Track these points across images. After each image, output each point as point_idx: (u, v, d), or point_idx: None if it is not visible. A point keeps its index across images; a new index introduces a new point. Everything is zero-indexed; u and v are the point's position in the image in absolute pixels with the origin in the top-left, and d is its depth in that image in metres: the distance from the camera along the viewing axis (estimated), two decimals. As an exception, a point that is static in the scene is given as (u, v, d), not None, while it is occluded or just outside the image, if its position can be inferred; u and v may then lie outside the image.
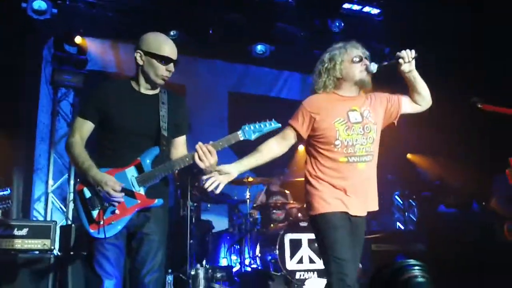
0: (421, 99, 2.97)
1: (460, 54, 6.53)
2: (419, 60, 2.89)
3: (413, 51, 2.80)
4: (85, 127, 2.67)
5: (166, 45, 2.67)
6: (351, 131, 2.82)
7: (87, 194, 2.59)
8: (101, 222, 2.51)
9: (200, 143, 2.57)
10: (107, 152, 2.66)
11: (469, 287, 4.85)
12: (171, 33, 6.91)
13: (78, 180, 2.66)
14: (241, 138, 2.63)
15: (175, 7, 6.77)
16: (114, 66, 7.22)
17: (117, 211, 2.55)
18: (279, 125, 2.71)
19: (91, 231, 2.54)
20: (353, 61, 2.89)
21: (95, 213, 2.56)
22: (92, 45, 6.98)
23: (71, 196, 6.34)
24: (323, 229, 2.74)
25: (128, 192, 2.57)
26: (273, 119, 2.70)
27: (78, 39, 6.60)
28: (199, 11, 6.90)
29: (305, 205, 2.96)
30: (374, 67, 2.85)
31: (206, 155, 2.54)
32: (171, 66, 2.67)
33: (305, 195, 2.92)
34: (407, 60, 2.78)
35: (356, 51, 2.93)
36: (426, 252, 5.86)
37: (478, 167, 6.49)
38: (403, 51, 2.80)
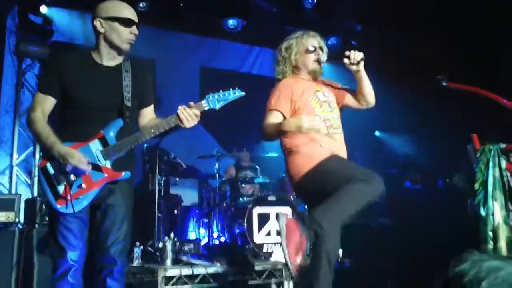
0: (363, 99, 3.13)
1: (427, 32, 6.60)
2: (389, 37, 3.00)
3: (360, 53, 2.94)
4: (47, 102, 2.62)
5: (125, 8, 2.66)
6: (323, 108, 3.02)
7: (51, 169, 2.55)
8: (68, 197, 2.49)
9: (181, 107, 2.58)
10: (70, 126, 2.62)
11: (429, 265, 5.01)
12: (141, 4, 6.78)
13: (41, 155, 2.61)
14: (206, 108, 2.63)
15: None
16: (82, 38, 7.04)
17: (83, 185, 2.53)
18: (243, 93, 2.73)
19: (58, 206, 2.51)
20: (307, 51, 3.09)
21: (61, 188, 2.53)
22: (58, 16, 6.77)
23: (36, 169, 6.23)
24: (318, 175, 2.83)
25: (94, 166, 2.54)
26: (237, 88, 2.71)
27: (43, 9, 6.40)
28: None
29: (289, 178, 3.04)
30: (324, 58, 3.08)
31: (192, 117, 2.58)
32: (134, 28, 2.64)
33: (288, 169, 3.03)
34: (352, 61, 2.93)
35: (312, 40, 3.13)
36: (390, 227, 6.01)
37: (443, 145, 6.65)
38: (351, 52, 2.96)
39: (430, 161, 7.10)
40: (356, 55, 2.94)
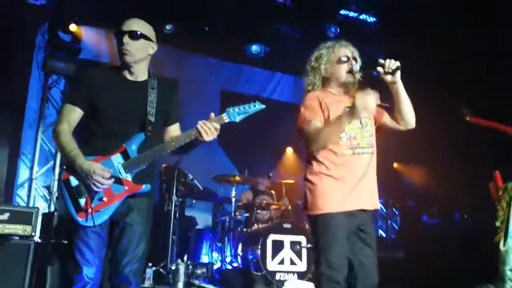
0: (400, 118, 2.84)
1: (452, 65, 6.58)
2: (410, 68, 2.84)
3: (396, 62, 2.66)
4: (74, 114, 2.65)
5: (127, 21, 2.65)
6: (352, 125, 2.77)
7: (73, 182, 2.56)
8: (89, 210, 2.50)
9: (200, 122, 2.56)
10: (93, 139, 2.64)
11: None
12: (167, 27, 6.91)
13: (64, 168, 2.63)
14: (226, 120, 2.62)
15: (172, 1, 6.75)
16: (108, 56, 7.18)
17: (104, 199, 2.53)
18: (263, 106, 2.68)
19: (79, 219, 2.51)
20: (339, 61, 2.84)
21: (82, 201, 2.53)
22: (86, 34, 6.94)
23: (55, 184, 6.30)
24: (321, 230, 2.67)
25: (115, 179, 2.55)
26: (257, 101, 2.68)
27: (73, 27, 6.56)
28: (196, 6, 6.88)
29: (304, 205, 2.84)
30: (357, 67, 2.80)
31: (212, 130, 2.55)
32: (126, 38, 2.60)
33: (305, 194, 2.83)
34: (386, 69, 2.64)
35: (344, 50, 2.88)
36: (405, 260, 5.90)
37: (462, 179, 6.55)
38: (386, 60, 2.66)
39: (448, 195, 7.00)
40: (392, 63, 2.64)
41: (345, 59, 2.84)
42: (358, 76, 2.84)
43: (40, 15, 6.47)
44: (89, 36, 7.00)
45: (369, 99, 2.55)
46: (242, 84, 8.37)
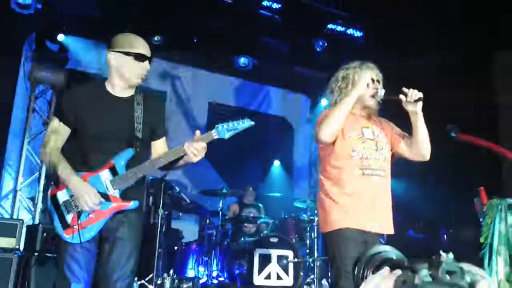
0: (414, 148, 2.87)
1: (438, 80, 6.66)
2: (397, 83, 2.87)
3: (418, 93, 2.70)
4: (62, 132, 2.64)
5: (139, 43, 2.68)
6: (366, 145, 2.79)
7: (61, 198, 2.56)
8: (76, 227, 2.48)
9: (187, 143, 2.57)
10: (80, 156, 2.63)
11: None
12: (155, 38, 6.90)
13: (52, 183, 2.61)
14: (216, 137, 2.63)
15: (161, 12, 6.76)
16: (96, 67, 7.16)
17: (92, 215, 2.52)
18: (252, 123, 2.68)
19: (66, 236, 2.50)
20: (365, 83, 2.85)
21: (69, 217, 2.53)
22: (74, 44, 6.90)
23: (40, 196, 6.22)
24: (336, 244, 2.68)
25: (103, 195, 2.54)
26: (245, 117, 2.68)
27: (60, 37, 6.53)
28: (185, 17, 6.90)
29: (318, 222, 2.91)
30: (382, 93, 2.82)
31: (199, 151, 2.56)
32: (146, 63, 2.67)
33: (320, 212, 2.85)
34: (409, 98, 2.69)
35: (371, 73, 2.90)
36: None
37: (448, 194, 6.60)
38: (409, 89, 2.71)
39: (434, 211, 7.05)
40: (414, 93, 2.69)
41: (371, 81, 2.86)
42: (380, 101, 2.86)
43: (28, 24, 6.43)
44: (77, 46, 6.96)
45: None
46: (230, 97, 8.39)
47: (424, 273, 0.89)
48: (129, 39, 2.69)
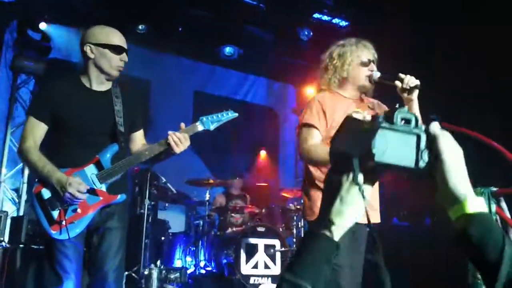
0: None
1: (421, 72, 6.71)
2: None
3: (415, 80, 2.61)
4: (39, 129, 2.61)
5: (116, 35, 2.67)
6: None
7: (46, 195, 2.53)
8: (63, 222, 2.46)
9: (170, 132, 2.58)
10: (63, 151, 2.61)
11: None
12: (140, 27, 6.83)
13: (37, 181, 2.58)
14: (200, 129, 2.68)
15: (145, 1, 6.68)
16: (79, 56, 7.03)
17: (78, 210, 2.51)
18: (236, 114, 2.78)
19: (53, 232, 2.48)
20: (361, 63, 2.78)
21: (55, 213, 2.50)
22: (57, 33, 6.78)
23: (25, 186, 6.15)
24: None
25: (90, 190, 2.53)
26: (229, 109, 2.76)
27: (43, 25, 6.40)
28: (169, 6, 6.83)
29: (302, 211, 2.85)
30: (376, 75, 2.76)
31: (182, 141, 2.58)
32: (124, 55, 2.66)
33: (305, 200, 2.79)
34: (405, 85, 2.60)
35: (367, 52, 2.83)
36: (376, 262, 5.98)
37: (433, 184, 6.67)
38: (406, 76, 2.62)
39: (419, 198, 7.12)
40: (411, 81, 2.59)
41: (367, 61, 2.79)
42: (373, 83, 2.80)
43: (9, 12, 6.30)
44: (59, 35, 6.84)
45: None
46: (215, 86, 8.35)
47: (380, 119, 0.91)
48: (106, 31, 2.66)
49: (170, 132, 2.59)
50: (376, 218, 2.81)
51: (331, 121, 2.73)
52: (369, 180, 0.93)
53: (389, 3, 6.34)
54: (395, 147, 0.90)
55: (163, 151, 2.64)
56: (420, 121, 0.94)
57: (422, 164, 0.91)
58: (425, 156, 0.90)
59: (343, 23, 7.51)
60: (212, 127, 2.70)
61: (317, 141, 2.72)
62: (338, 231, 0.94)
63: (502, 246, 0.82)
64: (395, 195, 7.62)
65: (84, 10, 6.53)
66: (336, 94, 2.85)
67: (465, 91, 5.81)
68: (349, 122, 0.93)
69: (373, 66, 2.81)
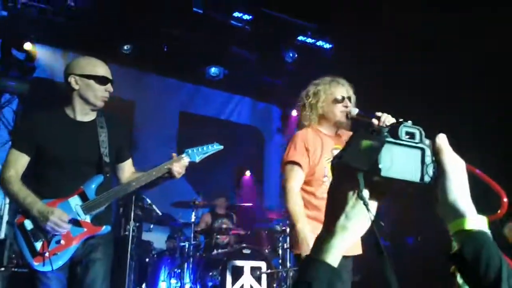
0: None
1: (406, 92, 6.82)
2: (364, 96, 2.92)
3: (392, 119, 2.70)
4: (21, 161, 2.60)
5: (101, 66, 2.69)
6: None
7: (29, 226, 2.50)
8: (46, 254, 2.43)
9: (169, 165, 2.66)
10: (47, 182, 2.60)
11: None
12: (125, 47, 6.85)
13: (19, 211, 2.55)
14: (187, 161, 2.74)
15: (131, 21, 6.70)
16: (63, 76, 7.01)
17: (62, 241, 2.48)
18: (221, 147, 2.86)
19: (35, 264, 2.45)
20: (335, 100, 2.88)
21: (38, 245, 2.47)
22: (41, 52, 6.75)
23: (6, 207, 6.04)
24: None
25: (74, 221, 2.51)
26: (215, 142, 2.85)
27: (27, 46, 6.37)
28: (155, 26, 6.87)
29: (290, 242, 2.89)
30: (354, 112, 2.84)
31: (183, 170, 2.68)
32: (109, 86, 2.67)
33: (292, 231, 2.83)
34: (381, 123, 2.68)
35: (341, 89, 2.92)
36: (360, 283, 5.99)
37: (413, 202, 6.74)
38: (383, 114, 2.71)
39: (399, 217, 7.17)
40: (388, 119, 2.68)
41: (340, 98, 2.88)
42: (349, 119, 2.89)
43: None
44: (44, 55, 6.82)
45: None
46: (201, 106, 8.37)
47: (385, 133, 0.91)
48: (90, 62, 2.68)
49: (169, 165, 2.67)
50: (358, 250, 2.81)
51: (313, 158, 2.83)
52: (374, 196, 0.94)
53: (372, 27, 6.46)
54: (400, 162, 0.90)
55: (155, 180, 2.66)
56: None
57: (427, 178, 0.91)
58: (430, 171, 0.91)
59: (327, 46, 7.63)
60: (197, 159, 2.76)
61: (299, 183, 2.80)
62: (339, 250, 0.95)
63: (500, 265, 0.82)
64: (377, 215, 7.67)
65: (69, 30, 6.53)
66: (317, 130, 2.95)
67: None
68: (357, 135, 0.94)
69: (347, 102, 2.90)
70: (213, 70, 7.57)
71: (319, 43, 7.54)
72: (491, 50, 5.35)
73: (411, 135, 0.92)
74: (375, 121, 2.72)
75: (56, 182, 2.58)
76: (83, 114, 2.68)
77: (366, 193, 0.92)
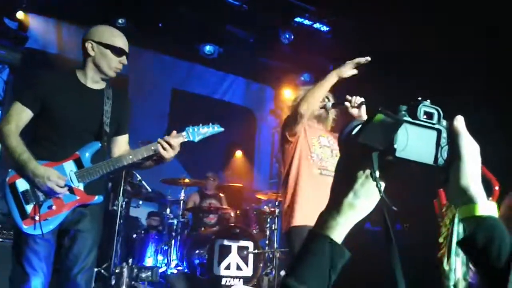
0: None
1: (400, 79, 6.79)
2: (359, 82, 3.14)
3: (360, 98, 3.06)
4: (24, 116, 2.55)
5: (119, 37, 2.70)
6: (323, 150, 3.10)
7: (21, 187, 2.46)
8: (37, 218, 2.40)
9: (160, 139, 2.59)
10: (45, 143, 2.57)
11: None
12: (119, 21, 6.72)
13: (11, 170, 2.51)
14: (185, 139, 2.68)
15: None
16: (55, 47, 6.91)
17: (53, 207, 2.46)
18: (222, 129, 2.82)
19: (25, 227, 2.42)
20: None
21: (29, 207, 2.44)
22: (34, 22, 6.63)
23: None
24: (295, 240, 2.86)
25: (67, 188, 2.48)
26: (216, 123, 2.80)
27: (20, 14, 6.25)
28: (150, 1, 6.76)
29: (281, 215, 3.14)
30: (329, 105, 3.16)
31: (174, 147, 2.59)
32: (124, 58, 2.68)
33: (282, 206, 3.14)
34: (353, 104, 3.05)
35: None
36: (352, 264, 6.04)
37: (404, 190, 6.76)
38: (352, 97, 3.07)
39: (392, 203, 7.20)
40: (357, 99, 3.05)
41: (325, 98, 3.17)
42: (331, 112, 3.26)
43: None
44: (37, 24, 6.69)
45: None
46: (194, 84, 8.29)
47: (403, 112, 0.88)
48: (111, 31, 2.70)
49: (159, 139, 2.59)
50: None
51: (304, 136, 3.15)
52: (382, 177, 0.92)
53: (370, 11, 6.40)
54: (415, 143, 0.87)
55: (149, 156, 2.62)
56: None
57: (441, 161, 0.88)
58: (444, 154, 0.89)
59: (325, 28, 7.56)
60: (197, 139, 2.73)
61: None
62: (343, 228, 0.94)
63: (511, 250, 0.82)
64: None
65: (63, 1, 6.41)
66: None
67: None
68: (375, 114, 0.89)
69: (325, 99, 3.20)
70: (208, 48, 7.47)
71: (316, 25, 7.46)
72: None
73: (429, 115, 0.89)
74: (347, 104, 3.08)
75: (54, 144, 2.55)
76: (94, 82, 2.68)
77: (378, 172, 0.89)
